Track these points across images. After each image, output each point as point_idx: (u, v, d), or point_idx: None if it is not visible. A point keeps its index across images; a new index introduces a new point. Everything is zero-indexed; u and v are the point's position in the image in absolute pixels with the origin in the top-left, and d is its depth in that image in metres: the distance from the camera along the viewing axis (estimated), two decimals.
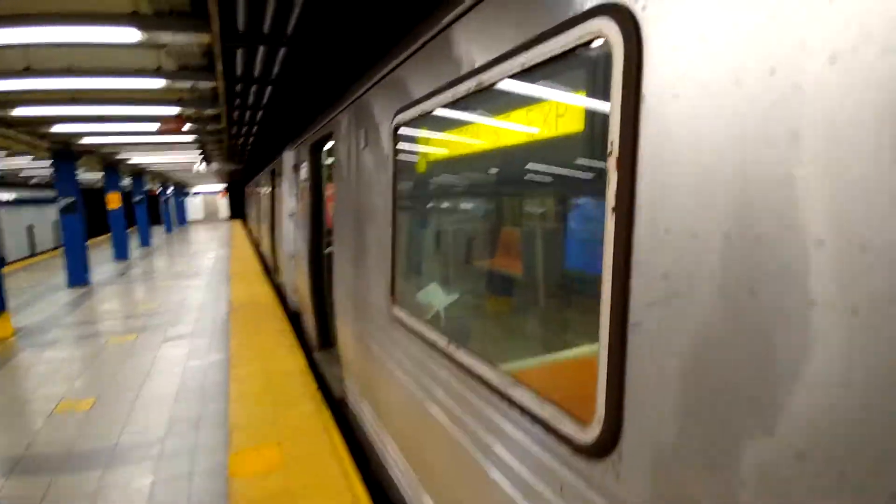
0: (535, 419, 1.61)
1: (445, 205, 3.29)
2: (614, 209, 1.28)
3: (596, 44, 1.40)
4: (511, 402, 1.76)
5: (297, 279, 7.47)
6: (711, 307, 1.05)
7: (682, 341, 1.11)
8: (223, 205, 49.02)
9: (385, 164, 3.17)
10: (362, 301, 3.78)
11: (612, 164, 1.29)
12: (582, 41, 1.42)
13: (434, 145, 2.64)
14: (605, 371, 1.31)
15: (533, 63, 1.64)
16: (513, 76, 1.78)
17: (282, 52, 5.09)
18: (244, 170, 25.68)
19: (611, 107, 1.29)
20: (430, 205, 3.33)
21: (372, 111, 3.50)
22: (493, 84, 1.89)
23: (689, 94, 1.09)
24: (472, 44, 2.08)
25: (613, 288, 1.29)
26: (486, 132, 2.19)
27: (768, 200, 0.94)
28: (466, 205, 3.34)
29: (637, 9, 1.23)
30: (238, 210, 42.95)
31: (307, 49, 4.81)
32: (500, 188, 2.48)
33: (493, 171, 2.43)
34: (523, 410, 1.69)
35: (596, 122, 1.50)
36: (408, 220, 3.24)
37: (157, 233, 28.87)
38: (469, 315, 3.25)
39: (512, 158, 2.02)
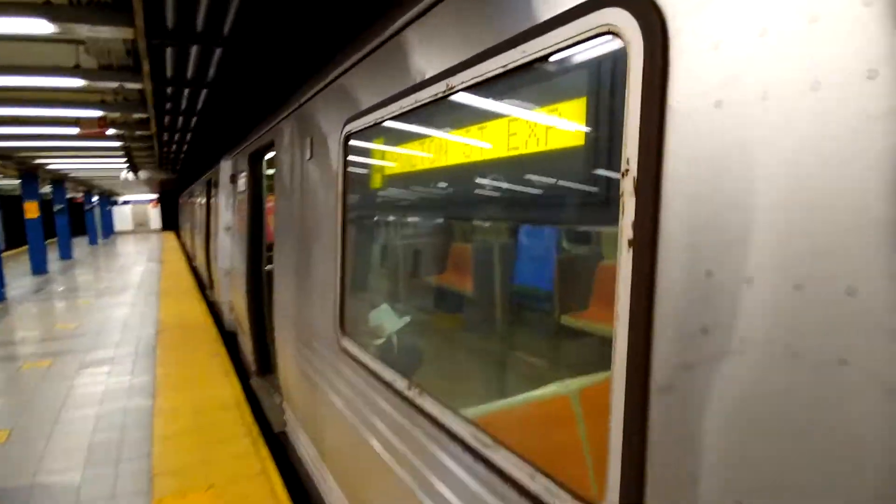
0: (523, 492, 1.33)
1: (401, 224, 3.00)
2: (632, 242, 1.03)
3: (594, 43, 1.16)
4: (489, 465, 1.48)
5: (234, 298, 6.93)
6: (777, 373, 0.81)
7: (734, 416, 0.87)
8: (155, 215, 46.53)
9: (333, 177, 2.85)
10: (306, 327, 3.41)
11: (627, 187, 1.04)
12: (580, 38, 1.18)
13: (390, 158, 2.35)
14: (621, 444, 1.06)
15: (513, 66, 1.39)
16: (485, 82, 1.53)
17: (217, 52, 4.66)
18: (178, 179, 24.38)
19: (626, 117, 1.05)
20: (384, 225, 3.03)
21: (318, 119, 3.17)
22: (461, 90, 1.63)
23: (740, 102, 0.86)
24: (435, 46, 1.82)
25: (631, 343, 1.03)
26: (451, 146, 1.92)
27: (861, 242, 0.71)
28: (425, 224, 3.06)
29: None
30: (171, 221, 40.86)
31: (246, 50, 4.41)
32: (466, 208, 2.22)
33: (462, 188, 2.15)
34: (505, 477, 1.41)
35: (589, 135, 1.26)
36: (358, 240, 2.93)
37: (81, 244, 26.97)
38: (427, 344, 2.96)
39: (482, 175, 1.76)
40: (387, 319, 4.00)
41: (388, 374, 2.11)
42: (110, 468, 4.17)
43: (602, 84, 1.18)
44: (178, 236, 30.89)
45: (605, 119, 1.18)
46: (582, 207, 1.26)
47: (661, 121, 0.98)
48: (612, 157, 1.17)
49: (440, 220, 2.44)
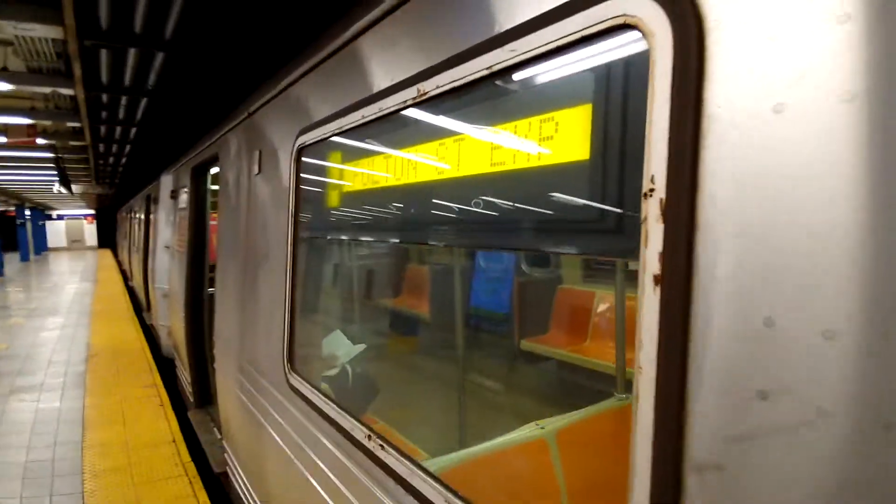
0: None
1: (358, 246, 2.74)
2: (658, 279, 0.83)
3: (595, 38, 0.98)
4: None
5: (172, 322, 6.42)
6: (867, 451, 0.62)
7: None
8: (91, 231, 44.05)
9: (283, 193, 2.57)
10: (250, 359, 3.08)
11: (652, 210, 0.84)
12: (585, 34, 0.99)
13: (349, 174, 2.11)
14: None
15: (500, 67, 1.19)
16: (465, 87, 1.33)
17: (159, 57, 4.31)
18: (115, 194, 23.14)
19: (648, 127, 0.86)
20: (340, 247, 2.76)
21: (268, 131, 2.90)
22: (436, 97, 1.42)
23: (813, 106, 0.68)
24: (404, 47, 1.61)
25: (659, 405, 0.83)
26: (418, 161, 1.70)
27: None
28: (382, 245, 2.82)
29: None
30: (108, 238, 38.74)
31: (190, 55, 4.09)
32: (433, 230, 1.99)
33: (431, 208, 1.92)
34: None
35: (595, 148, 1.07)
36: (311, 263, 2.66)
37: (12, 261, 25.22)
38: (385, 376, 2.70)
39: (459, 195, 1.53)
40: (340, 350, 3.70)
41: (346, 422, 1.83)
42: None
43: (610, 88, 0.99)
44: (115, 254, 29.29)
45: (615, 130, 0.99)
46: (585, 234, 1.06)
47: (696, 131, 0.80)
48: (622, 173, 0.98)
49: (399, 242, 2.17)
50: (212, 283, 5.38)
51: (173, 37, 3.73)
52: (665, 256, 0.83)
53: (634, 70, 0.95)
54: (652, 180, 0.85)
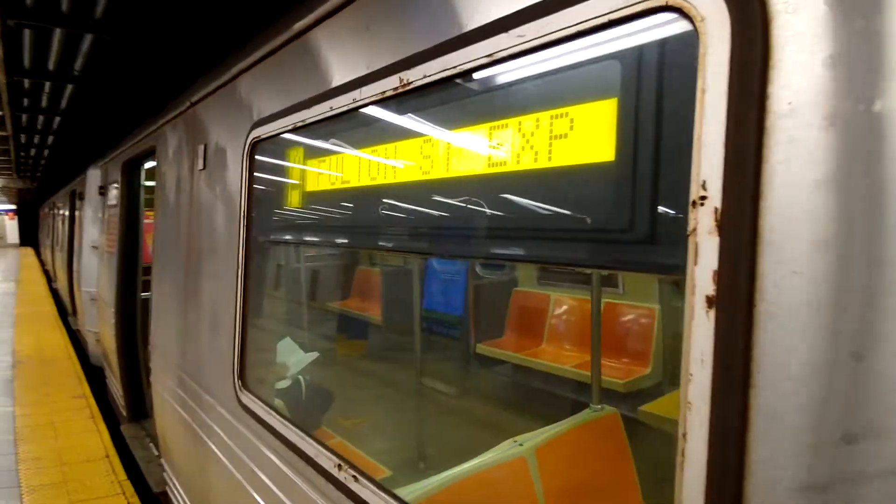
0: None
1: (325, 249, 2.54)
2: (712, 301, 0.72)
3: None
4: None
5: (102, 328, 5.92)
6: None
7: None
8: (12, 228, 40.84)
9: (233, 191, 2.34)
10: (193, 372, 2.81)
11: (704, 221, 0.73)
12: (613, 17, 0.86)
13: (313, 171, 1.91)
14: None
15: (503, 55, 1.06)
16: (458, 76, 1.18)
17: (88, 39, 3.91)
18: (38, 188, 21.49)
19: (697, 124, 0.74)
20: (300, 251, 2.55)
21: (215, 123, 2.65)
22: (423, 86, 1.27)
23: None
24: (382, 32, 1.44)
25: (714, 446, 0.71)
26: (399, 155, 1.53)
27: None
28: (337, 249, 2.63)
29: None
30: (30, 236, 36.02)
31: (123, 39, 3.73)
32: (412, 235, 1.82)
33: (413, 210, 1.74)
34: None
35: (623, 148, 0.94)
36: (265, 268, 2.44)
37: None
38: (342, 390, 2.51)
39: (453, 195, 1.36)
40: (291, 359, 3.47)
41: (309, 447, 1.64)
42: None
43: (642, 80, 0.87)
44: (38, 253, 27.25)
45: (647, 127, 0.87)
46: (606, 245, 0.93)
47: (759, 130, 0.68)
48: (656, 176, 0.86)
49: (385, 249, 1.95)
50: (146, 286, 4.99)
51: (104, 16, 3.38)
52: (721, 275, 0.71)
53: (673, 58, 0.83)
54: (704, 186, 0.73)
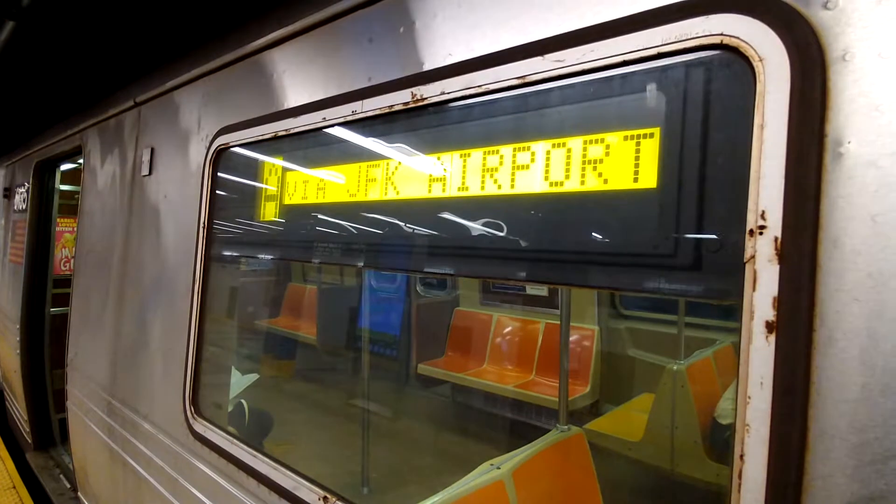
0: None
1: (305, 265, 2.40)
2: (772, 326, 0.75)
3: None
4: None
5: (1, 346, 5.27)
6: None
7: None
8: None
9: (190, 201, 2.18)
10: (125, 397, 2.55)
11: (763, 249, 0.76)
12: (662, 51, 0.90)
13: (292, 183, 1.80)
14: None
15: (535, 78, 1.06)
16: (483, 94, 1.17)
17: (8, 27, 3.53)
18: None
19: (754, 158, 0.78)
20: (267, 272, 2.40)
21: (166, 126, 2.46)
22: (443, 103, 1.25)
23: None
24: (393, 41, 1.41)
25: (774, 469, 0.74)
26: (404, 174, 1.48)
27: None
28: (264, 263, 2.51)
29: (812, 9, 0.76)
30: None
31: (51, 29, 3.40)
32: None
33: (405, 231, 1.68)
34: None
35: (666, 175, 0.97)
36: (226, 284, 2.28)
37: None
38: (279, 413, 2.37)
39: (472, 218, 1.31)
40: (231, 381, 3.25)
41: (287, 480, 1.53)
42: None
43: (687, 112, 0.90)
44: None
45: (693, 157, 0.90)
46: (646, 269, 0.95)
47: (819, 167, 0.73)
48: (701, 205, 0.89)
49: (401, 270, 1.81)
50: (58, 300, 4.50)
51: (33, 4, 3.06)
52: (782, 301, 0.74)
53: (720, 93, 0.87)
54: (763, 216, 0.77)
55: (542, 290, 5.07)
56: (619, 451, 3.51)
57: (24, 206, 4.65)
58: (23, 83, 4.57)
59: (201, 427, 1.95)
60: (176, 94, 2.38)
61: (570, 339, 4.69)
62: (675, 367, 3.35)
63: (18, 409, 4.63)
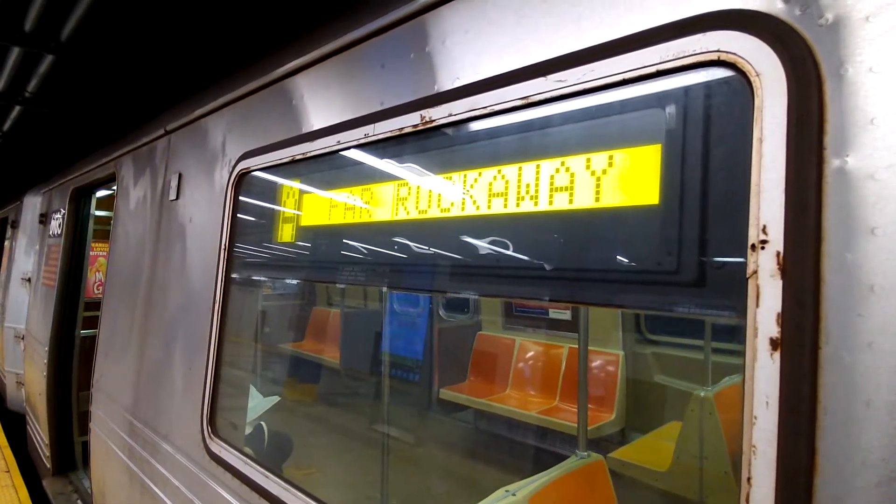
0: None
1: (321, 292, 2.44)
2: (777, 343, 0.73)
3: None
4: None
5: (27, 369, 5.41)
6: None
7: None
8: None
9: (213, 224, 2.23)
10: (146, 418, 2.59)
11: (766, 264, 0.75)
12: (660, 68, 0.90)
13: (311, 206, 1.83)
14: None
15: (538, 99, 1.07)
16: (487, 116, 1.19)
17: (48, 60, 3.73)
18: None
19: (754, 172, 0.78)
20: (293, 296, 2.43)
21: (193, 152, 2.54)
22: (448, 124, 1.27)
23: None
24: (406, 66, 1.44)
25: (782, 491, 0.71)
26: (418, 195, 1.50)
27: None
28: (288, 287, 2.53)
29: (806, 25, 0.76)
30: None
31: (88, 62, 3.58)
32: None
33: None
34: None
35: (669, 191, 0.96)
36: (249, 308, 2.31)
37: None
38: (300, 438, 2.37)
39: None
40: (251, 403, 3.27)
41: None
42: None
43: (688, 128, 0.90)
44: None
45: (693, 173, 0.89)
46: (648, 286, 0.93)
47: (819, 179, 0.72)
48: (703, 221, 0.88)
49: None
50: (88, 323, 4.62)
51: (71, 38, 3.24)
52: (786, 317, 0.72)
53: (719, 109, 0.86)
54: (764, 230, 0.75)
55: (565, 314, 5.01)
56: (645, 481, 3.40)
57: (59, 232, 4.82)
58: (61, 114, 4.80)
59: (217, 447, 1.96)
60: (203, 122, 2.47)
61: (595, 364, 4.61)
62: (702, 394, 3.25)
63: (40, 434, 4.73)
